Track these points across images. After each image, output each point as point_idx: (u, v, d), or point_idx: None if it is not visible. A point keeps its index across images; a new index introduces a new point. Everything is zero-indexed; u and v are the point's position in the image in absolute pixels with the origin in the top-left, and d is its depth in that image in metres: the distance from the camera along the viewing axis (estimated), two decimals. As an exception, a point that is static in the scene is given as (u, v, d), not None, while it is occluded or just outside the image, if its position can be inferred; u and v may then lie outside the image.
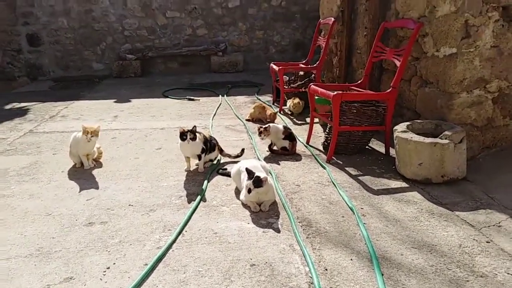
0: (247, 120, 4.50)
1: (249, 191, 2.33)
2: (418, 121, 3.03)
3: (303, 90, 4.76)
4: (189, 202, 2.52)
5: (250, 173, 2.38)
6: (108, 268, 1.85)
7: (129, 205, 2.49)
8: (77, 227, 2.23)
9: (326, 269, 1.81)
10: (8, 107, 5.46)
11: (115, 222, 2.28)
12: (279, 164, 3.14)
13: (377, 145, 3.54)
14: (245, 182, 2.44)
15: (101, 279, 1.77)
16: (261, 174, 2.38)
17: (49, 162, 3.25)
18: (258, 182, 2.32)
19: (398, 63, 3.18)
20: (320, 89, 3.39)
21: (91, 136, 2.95)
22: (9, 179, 2.90)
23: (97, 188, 2.75)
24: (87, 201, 2.55)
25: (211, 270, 1.82)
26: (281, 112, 4.79)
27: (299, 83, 5.04)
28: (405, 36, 3.49)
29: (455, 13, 2.85)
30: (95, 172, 3.04)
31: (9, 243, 2.06)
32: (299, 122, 4.47)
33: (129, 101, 5.71)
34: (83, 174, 3.00)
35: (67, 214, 2.38)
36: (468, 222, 2.22)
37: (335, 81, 4.87)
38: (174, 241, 2.06)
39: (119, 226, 2.24)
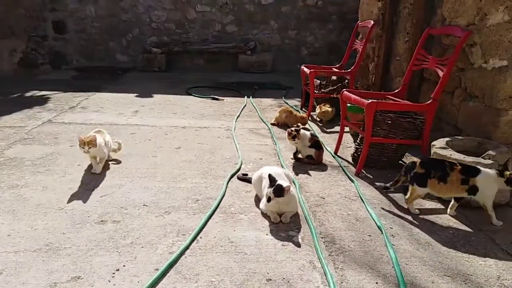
0: (272, 124, 4.49)
1: (269, 199, 2.31)
2: (459, 137, 2.94)
3: (335, 96, 4.71)
4: (205, 206, 2.52)
5: (272, 180, 2.36)
6: (118, 270, 1.86)
7: (144, 205, 2.52)
8: (89, 224, 2.26)
9: (348, 292, 1.77)
10: (28, 94, 5.64)
11: (127, 222, 2.30)
12: (303, 174, 3.11)
13: (412, 161, 3.45)
14: (266, 189, 2.43)
15: (109, 281, 1.78)
16: (284, 182, 2.35)
17: (65, 154, 3.33)
18: (279, 191, 2.30)
19: (441, 73, 3.10)
20: (353, 96, 3.34)
21: (89, 148, 2.86)
22: (24, 169, 2.98)
23: (112, 184, 2.79)
24: (101, 197, 2.60)
25: (225, 282, 1.81)
26: (309, 119, 4.75)
27: (330, 88, 5.00)
28: (450, 44, 3.40)
29: (508, 23, 2.75)
30: (111, 167, 3.09)
31: (19, 235, 2.12)
32: (328, 130, 4.42)
33: (151, 96, 5.81)
34: (99, 169, 3.06)
35: (79, 209, 2.42)
36: (509, 253, 2.12)
37: (370, 89, 4.79)
38: (187, 247, 2.06)
39: (132, 226, 2.26)
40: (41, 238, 2.10)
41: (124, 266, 1.90)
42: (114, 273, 1.84)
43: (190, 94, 6.02)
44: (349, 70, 4.95)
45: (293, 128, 3.31)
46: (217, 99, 5.75)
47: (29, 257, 1.93)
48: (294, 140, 3.26)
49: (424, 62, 3.41)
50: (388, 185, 2.67)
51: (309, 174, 3.11)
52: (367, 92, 4.33)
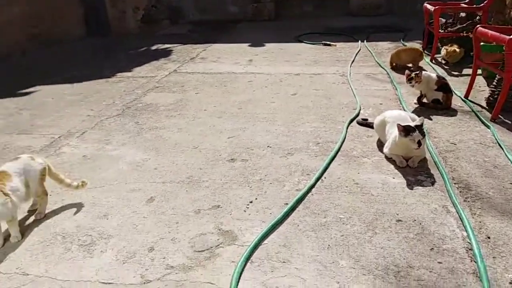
0: (391, 68, 4.25)
1: (419, 143, 2.18)
2: None
3: (464, 35, 4.25)
4: (327, 149, 2.54)
5: (407, 127, 2.22)
6: (251, 202, 2.01)
7: (268, 146, 2.63)
8: (221, 162, 2.45)
9: (489, 237, 1.67)
10: (153, 47, 6.12)
11: (255, 161, 2.44)
12: (429, 119, 2.92)
13: (562, 105, 3.00)
14: (390, 134, 2.36)
15: (244, 211, 1.94)
16: (416, 122, 2.26)
17: (192, 101, 3.60)
18: (422, 130, 2.19)
19: None
20: (490, 32, 2.96)
21: None
22: (160, 113, 3.31)
23: (236, 128, 2.96)
24: (228, 139, 2.78)
25: (353, 219, 1.84)
26: (433, 61, 4.38)
27: (458, 26, 4.50)
28: None
29: None
30: (234, 113, 3.26)
31: (164, 169, 2.39)
32: (455, 73, 4.04)
33: (263, 45, 5.87)
34: (223, 113, 3.25)
35: (211, 149, 2.63)
36: None
37: (508, 25, 4.20)
38: (313, 186, 2.12)
39: (259, 165, 2.39)
40: (182, 172, 2.34)
41: (256, 199, 2.04)
42: (248, 205, 1.99)
43: (301, 41, 5.94)
44: (482, 4, 4.36)
45: (413, 71, 3.09)
46: (329, 44, 5.59)
47: (175, 187, 2.18)
48: (410, 83, 3.07)
49: None
50: None
51: (436, 119, 2.91)
52: (505, 27, 3.80)
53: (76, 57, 5.72)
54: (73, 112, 3.41)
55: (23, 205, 1.89)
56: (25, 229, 1.86)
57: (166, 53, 5.63)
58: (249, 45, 5.90)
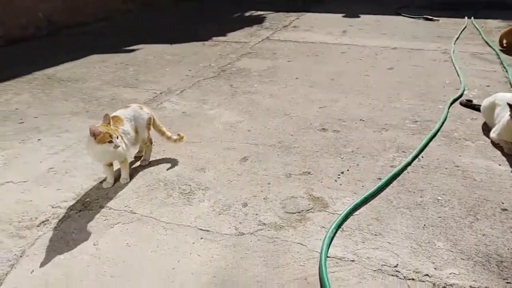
0: (502, 49, 3.86)
1: None
2: None
3: None
4: (425, 128, 2.42)
5: None
6: (342, 172, 2.00)
7: (360, 119, 2.57)
8: (312, 130, 2.45)
9: None
10: (247, 14, 6.18)
11: (346, 133, 2.40)
12: (546, 106, 2.63)
13: None
14: (500, 118, 2.17)
15: (335, 181, 1.93)
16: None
17: (284, 68, 3.60)
18: None
19: None
20: None
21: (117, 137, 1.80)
22: (252, 78, 3.36)
23: (328, 98, 2.92)
24: (320, 108, 2.75)
25: (452, 202, 1.75)
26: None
27: None
28: None
29: None
30: (325, 83, 3.21)
31: (256, 132, 2.45)
32: None
33: (358, 16, 5.64)
34: (315, 83, 3.22)
35: (302, 117, 2.63)
36: None
37: None
38: (409, 164, 2.04)
39: (351, 137, 2.35)
40: (274, 136, 2.38)
41: (348, 170, 2.02)
42: (339, 175, 1.98)
43: (400, 14, 5.61)
44: None
45: None
46: (431, 19, 5.22)
47: (267, 150, 2.23)
48: None
49: None
50: None
51: (554, 107, 2.62)
52: None
53: (172, 20, 5.97)
54: (173, 71, 3.60)
55: (131, 150, 2.06)
56: (132, 173, 2.04)
57: (259, 20, 5.65)
58: (343, 16, 5.71)
